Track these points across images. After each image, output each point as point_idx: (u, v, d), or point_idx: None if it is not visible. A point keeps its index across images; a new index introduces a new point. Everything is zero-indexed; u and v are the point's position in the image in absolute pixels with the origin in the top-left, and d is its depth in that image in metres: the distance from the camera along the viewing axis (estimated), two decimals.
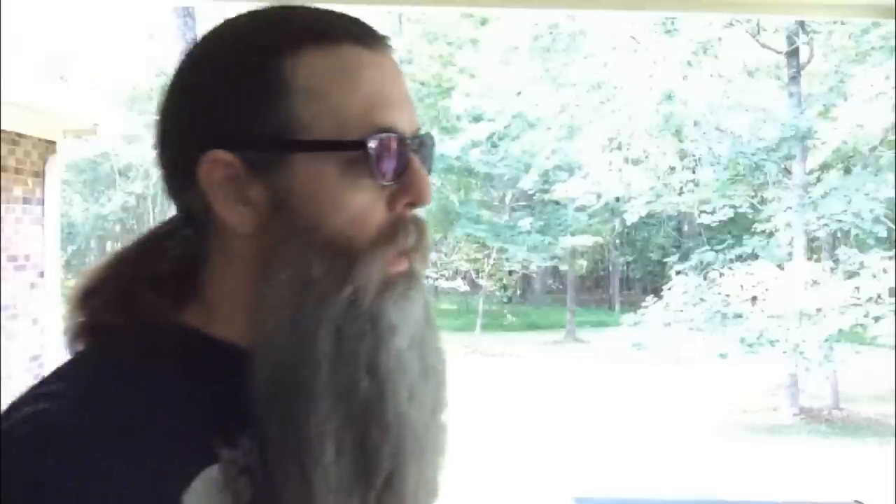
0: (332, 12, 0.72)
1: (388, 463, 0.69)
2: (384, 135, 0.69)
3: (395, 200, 0.71)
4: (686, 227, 22.06)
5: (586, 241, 19.93)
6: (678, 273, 13.91)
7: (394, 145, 0.69)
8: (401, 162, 0.70)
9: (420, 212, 0.74)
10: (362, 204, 0.69)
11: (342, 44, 0.70)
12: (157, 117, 0.73)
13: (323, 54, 0.69)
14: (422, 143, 0.74)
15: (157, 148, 0.73)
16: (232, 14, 0.75)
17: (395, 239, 0.70)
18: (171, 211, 0.78)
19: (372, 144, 0.68)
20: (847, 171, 14.72)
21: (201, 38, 0.73)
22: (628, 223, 17.37)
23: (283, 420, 0.67)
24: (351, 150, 0.68)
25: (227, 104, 0.69)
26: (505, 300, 24.42)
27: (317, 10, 0.72)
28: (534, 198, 19.95)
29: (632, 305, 17.66)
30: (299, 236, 0.68)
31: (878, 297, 11.91)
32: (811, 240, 14.36)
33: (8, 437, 0.62)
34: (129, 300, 0.73)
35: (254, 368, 0.67)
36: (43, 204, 5.56)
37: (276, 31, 0.70)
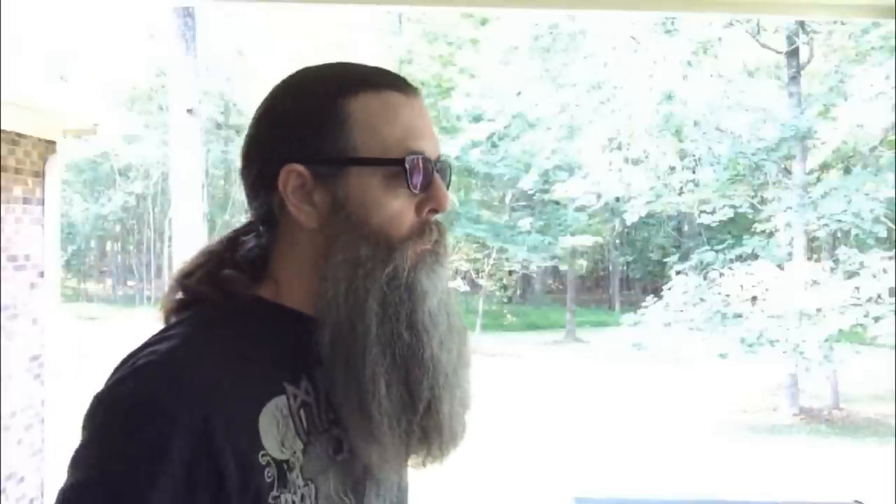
0: (377, 67, 0.98)
1: (427, 394, 0.91)
2: (416, 156, 0.92)
3: (422, 207, 0.94)
4: (686, 227, 22.08)
5: (586, 241, 19.91)
6: (678, 273, 13.91)
7: (422, 164, 0.93)
8: (427, 177, 0.93)
9: (441, 217, 0.97)
10: (397, 207, 0.92)
11: (385, 89, 0.93)
12: (246, 139, 0.97)
13: (372, 97, 0.93)
14: (442, 166, 0.97)
15: (245, 163, 0.96)
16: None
17: (422, 236, 0.93)
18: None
19: (407, 162, 0.91)
20: (847, 171, 14.74)
21: (285, 80, 0.97)
22: (628, 223, 17.37)
23: (345, 364, 0.89)
24: (392, 166, 0.91)
25: (303, 131, 0.92)
26: (505, 300, 24.42)
27: (366, 65, 0.98)
28: (534, 198, 19.94)
29: (632, 305, 17.67)
30: (352, 229, 0.90)
31: (878, 297, 11.91)
32: (811, 240, 14.37)
33: (137, 368, 0.83)
34: (217, 278, 0.95)
35: (318, 327, 0.90)
36: (43, 204, 5.55)
37: (339, 80, 0.94)
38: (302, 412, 0.89)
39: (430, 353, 0.91)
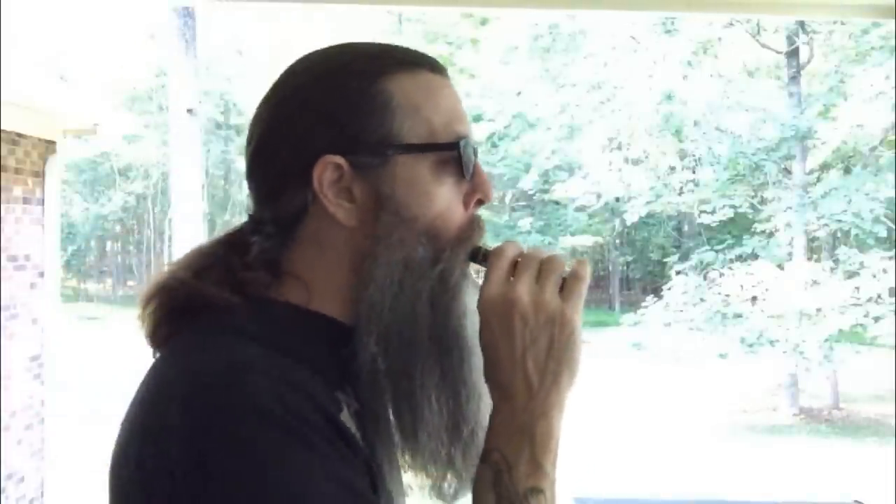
0: (407, 47, 0.90)
1: (473, 419, 0.84)
2: (466, 140, 0.86)
3: (469, 197, 0.88)
4: (686, 227, 22.06)
5: (586, 241, 19.93)
6: (678, 273, 13.92)
7: (472, 150, 0.87)
8: (473, 164, 0.87)
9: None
10: (448, 198, 0.85)
11: (422, 70, 0.87)
12: (264, 131, 0.86)
13: (411, 78, 0.86)
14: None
15: (263, 157, 0.86)
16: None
17: (472, 236, 0.87)
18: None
19: (461, 147, 0.85)
20: (847, 171, 14.74)
21: (302, 63, 0.88)
22: (628, 223, 17.38)
23: (394, 377, 0.82)
24: (443, 152, 0.85)
25: (339, 118, 0.83)
26: None
27: (396, 45, 0.90)
28: (534, 198, 19.95)
29: (632, 305, 17.67)
30: (405, 225, 0.83)
31: (878, 297, 11.91)
32: (811, 240, 14.38)
33: (207, 371, 0.74)
34: (235, 280, 0.85)
35: (361, 335, 0.81)
36: (43, 204, 5.55)
37: (374, 59, 0.86)
38: (356, 423, 0.80)
39: (475, 375, 0.84)
